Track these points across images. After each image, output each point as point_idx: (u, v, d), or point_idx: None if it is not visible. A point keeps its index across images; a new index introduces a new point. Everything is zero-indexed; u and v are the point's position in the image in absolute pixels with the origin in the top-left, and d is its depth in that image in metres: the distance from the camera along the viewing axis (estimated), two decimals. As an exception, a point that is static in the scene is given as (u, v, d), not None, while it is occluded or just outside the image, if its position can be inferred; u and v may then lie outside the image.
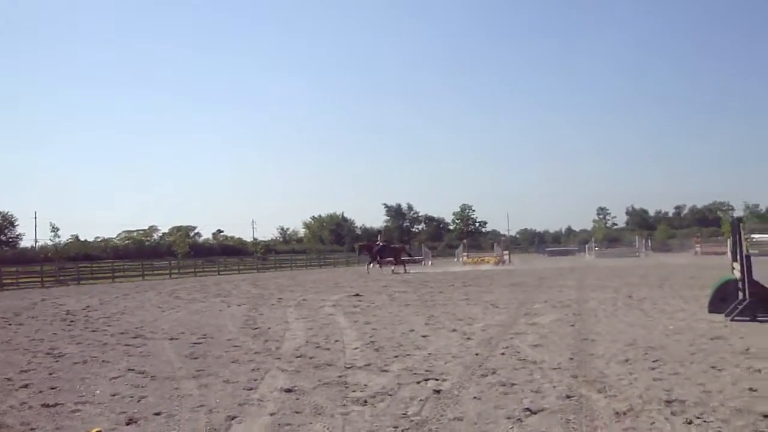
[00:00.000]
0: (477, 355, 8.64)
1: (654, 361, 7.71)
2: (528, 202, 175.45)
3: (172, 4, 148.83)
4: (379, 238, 42.48)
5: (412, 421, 5.56)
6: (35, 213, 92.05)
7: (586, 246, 66.01)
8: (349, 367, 8.08)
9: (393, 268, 37.95)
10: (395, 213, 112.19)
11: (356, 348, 9.59)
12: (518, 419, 5.49)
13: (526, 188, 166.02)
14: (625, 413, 5.51)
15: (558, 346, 9.10)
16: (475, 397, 6.28)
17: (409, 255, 43.41)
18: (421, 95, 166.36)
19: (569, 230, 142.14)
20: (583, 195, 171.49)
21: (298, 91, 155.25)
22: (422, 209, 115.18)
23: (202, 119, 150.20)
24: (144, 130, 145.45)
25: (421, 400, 6.26)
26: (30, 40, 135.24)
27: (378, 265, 38.74)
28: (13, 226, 78.82)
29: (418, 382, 7.07)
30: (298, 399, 6.50)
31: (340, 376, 7.53)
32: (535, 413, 5.65)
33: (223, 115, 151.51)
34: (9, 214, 78.08)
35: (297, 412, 5.97)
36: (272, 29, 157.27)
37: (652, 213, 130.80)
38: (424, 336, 10.60)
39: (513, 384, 6.78)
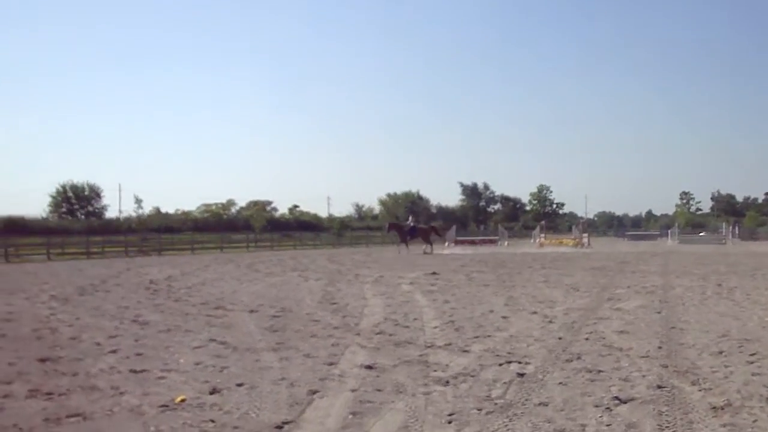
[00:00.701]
0: (560, 339, 8.43)
1: (751, 355, 7.32)
2: (607, 185, 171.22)
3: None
4: (410, 219, 42.25)
5: (496, 404, 5.42)
6: (119, 185, 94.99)
7: (669, 231, 64.06)
8: (429, 346, 7.99)
9: (424, 247, 37.04)
10: (471, 192, 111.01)
11: (436, 327, 9.50)
12: (607, 408, 5.28)
13: (606, 170, 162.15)
14: (722, 408, 5.22)
15: (645, 333, 8.79)
16: (560, 383, 6.09)
17: (439, 235, 42.29)
18: (504, 71, 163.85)
19: (650, 214, 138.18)
20: (666, 178, 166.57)
21: (375, 68, 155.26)
22: (498, 189, 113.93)
23: (281, 97, 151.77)
24: (223, 107, 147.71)
25: (504, 382, 6.11)
26: (113, 22, 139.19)
27: (405, 246, 37.26)
28: (99, 198, 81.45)
29: (501, 365, 6.92)
30: (378, 376, 6.45)
31: (420, 355, 7.45)
32: (624, 402, 5.42)
33: (301, 93, 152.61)
34: (95, 185, 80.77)
35: (378, 390, 5.91)
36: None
37: (739, 198, 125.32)
38: (504, 317, 10.42)
39: (599, 371, 6.55)
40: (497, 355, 7.40)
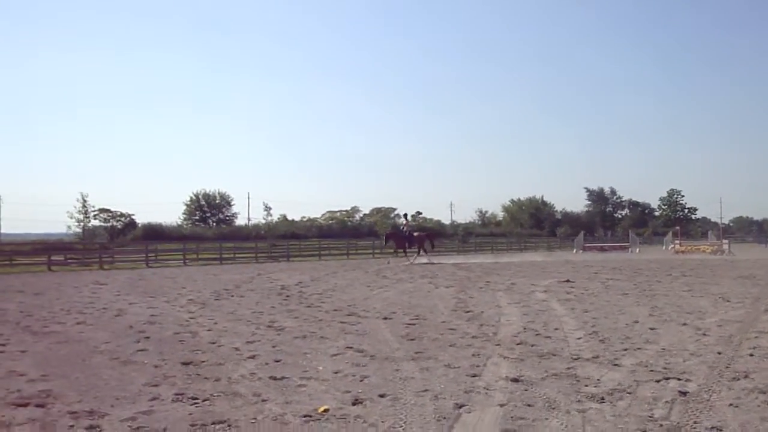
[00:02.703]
0: (719, 354, 7.77)
1: None
2: (743, 188, 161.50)
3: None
4: (406, 224, 37.51)
5: (661, 425, 4.97)
6: (248, 194, 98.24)
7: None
8: (576, 359, 7.55)
9: (412, 259, 33.34)
10: (597, 197, 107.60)
11: (579, 338, 9.01)
12: (792, 434, 4.72)
13: (742, 173, 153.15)
14: None
15: (817, 349, 7.97)
16: (731, 404, 5.54)
17: (432, 244, 36.17)
18: (631, 75, 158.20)
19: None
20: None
21: (493, 74, 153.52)
22: (626, 194, 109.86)
23: (406, 108, 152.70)
24: (348, 119, 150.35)
25: (666, 401, 5.62)
26: (232, 36, 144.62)
27: (404, 254, 34.04)
28: (230, 206, 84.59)
29: (658, 381, 6.41)
30: (527, 390, 6.10)
31: (568, 368, 7.04)
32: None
33: (428, 103, 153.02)
34: (226, 194, 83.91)
35: (528, 405, 5.58)
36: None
37: None
38: (651, 329, 9.79)
39: (775, 392, 5.93)
40: (652, 371, 6.88)
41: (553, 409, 5.47)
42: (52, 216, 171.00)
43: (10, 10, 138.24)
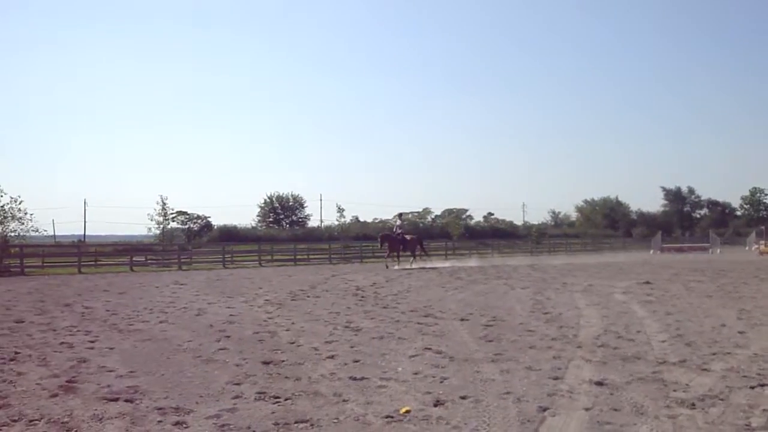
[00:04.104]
0: (818, 360, 7.41)
1: None
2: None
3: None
4: (396, 227, 34.05)
5: (759, 434, 4.76)
6: (321, 195, 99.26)
7: None
8: (661, 363, 7.32)
9: (410, 261, 31.61)
10: (674, 197, 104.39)
11: (663, 341, 8.74)
12: None
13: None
14: None
15: None
16: (837, 414, 5.26)
17: (423, 249, 33.56)
18: (708, 72, 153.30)
19: None
20: None
21: (571, 70, 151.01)
22: (705, 193, 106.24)
23: (474, 107, 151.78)
24: (416, 119, 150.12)
25: (764, 409, 5.37)
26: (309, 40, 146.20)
27: (397, 258, 31.73)
28: (303, 207, 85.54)
29: (752, 387, 6.14)
30: (612, 394, 5.93)
31: (654, 372, 6.82)
32: None
33: (497, 103, 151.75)
34: (299, 196, 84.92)
35: (615, 410, 5.42)
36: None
37: None
38: (740, 332, 9.43)
39: None
40: (745, 376, 6.60)
41: (642, 414, 5.30)
42: (133, 218, 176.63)
43: (100, 15, 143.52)
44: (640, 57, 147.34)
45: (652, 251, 48.02)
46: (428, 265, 31.56)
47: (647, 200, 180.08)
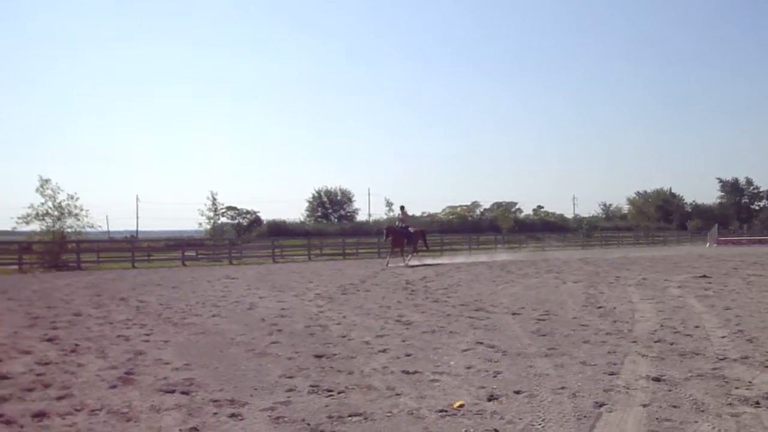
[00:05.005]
0: None
1: None
2: None
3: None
4: (402, 217, 30.70)
5: (829, 434, 4.58)
6: (369, 189, 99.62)
7: None
8: (722, 359, 7.11)
9: (408, 257, 29.28)
10: (731, 188, 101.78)
11: (723, 337, 8.51)
12: None
13: None
14: None
15: None
16: None
17: (425, 244, 31.26)
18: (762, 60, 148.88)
19: None
20: None
21: (618, 65, 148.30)
22: (764, 184, 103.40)
23: (522, 100, 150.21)
24: (464, 113, 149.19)
25: (834, 409, 5.18)
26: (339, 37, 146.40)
27: (401, 253, 29.52)
28: (351, 202, 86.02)
29: (822, 386, 5.92)
30: (670, 390, 5.78)
31: (714, 369, 6.63)
32: None
33: (545, 93, 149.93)
34: (347, 190, 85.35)
35: (674, 406, 5.28)
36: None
37: None
38: (806, 329, 9.12)
39: None
40: (813, 374, 6.38)
41: (702, 411, 5.15)
42: (184, 214, 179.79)
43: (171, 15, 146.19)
44: (694, 43, 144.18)
45: (708, 244, 46.94)
46: (426, 261, 30.05)
47: (702, 192, 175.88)
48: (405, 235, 29.24)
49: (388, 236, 29.55)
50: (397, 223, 30.63)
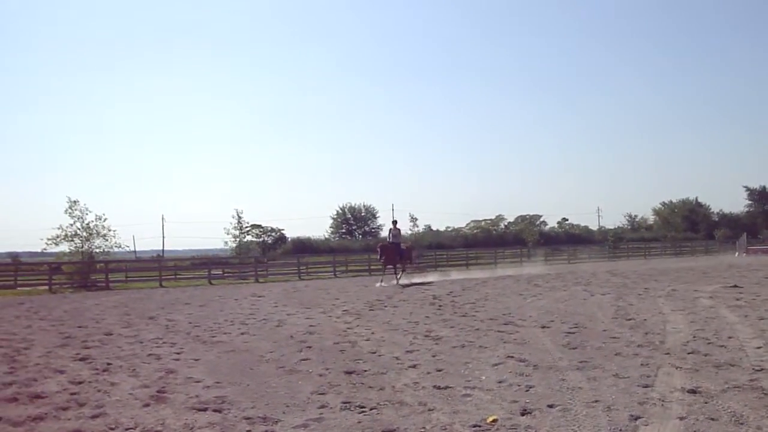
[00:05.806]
0: None
1: None
2: None
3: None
4: (390, 233, 28.79)
5: None
6: (392, 205, 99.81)
7: None
8: (759, 370, 7.02)
9: (399, 275, 27.44)
10: (759, 196, 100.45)
11: (759, 347, 8.39)
12: None
13: None
14: None
15: None
16: None
17: (410, 261, 29.49)
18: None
19: None
20: None
21: (643, 71, 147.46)
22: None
23: (543, 111, 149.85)
24: (485, 126, 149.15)
25: None
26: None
27: (393, 270, 28.01)
28: (375, 218, 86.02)
29: None
30: (707, 403, 5.71)
31: (751, 380, 6.55)
32: None
33: (569, 106, 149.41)
34: (371, 206, 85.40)
35: (712, 419, 5.21)
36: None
37: None
38: (844, 340, 8.96)
39: None
40: None
41: (741, 424, 5.08)
42: (209, 233, 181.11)
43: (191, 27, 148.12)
44: (720, 52, 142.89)
45: (737, 254, 46.31)
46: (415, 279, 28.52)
47: (730, 201, 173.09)
48: (398, 252, 27.57)
49: (381, 256, 27.40)
50: (389, 239, 28.67)
